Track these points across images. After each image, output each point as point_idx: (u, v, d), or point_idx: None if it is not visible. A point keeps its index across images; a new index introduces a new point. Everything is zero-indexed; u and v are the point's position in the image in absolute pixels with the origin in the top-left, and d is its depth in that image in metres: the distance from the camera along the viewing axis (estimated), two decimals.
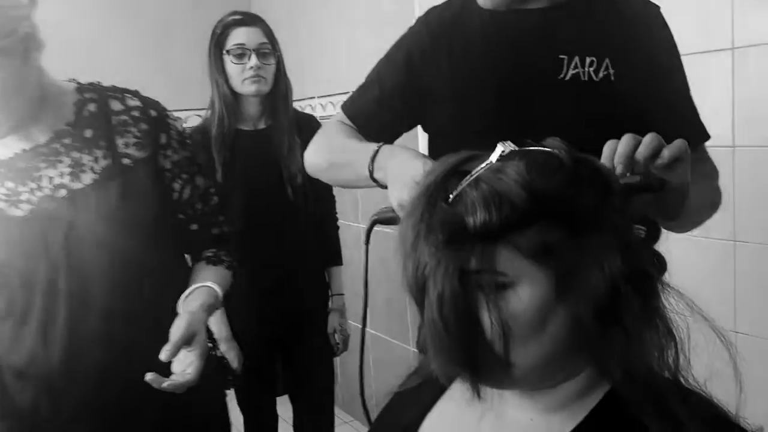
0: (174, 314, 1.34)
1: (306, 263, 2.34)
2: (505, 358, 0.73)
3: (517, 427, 0.82)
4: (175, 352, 1.24)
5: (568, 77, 1.25)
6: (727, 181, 1.78)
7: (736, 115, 1.77)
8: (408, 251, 0.76)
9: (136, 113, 1.40)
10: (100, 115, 1.37)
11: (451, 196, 0.74)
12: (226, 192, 2.16)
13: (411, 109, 1.36)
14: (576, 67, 1.25)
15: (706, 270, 1.89)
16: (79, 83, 1.41)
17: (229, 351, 2.20)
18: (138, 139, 1.38)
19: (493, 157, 0.76)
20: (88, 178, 1.33)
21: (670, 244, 1.93)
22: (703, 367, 0.82)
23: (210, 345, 1.58)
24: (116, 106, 1.39)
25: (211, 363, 1.57)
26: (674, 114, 1.31)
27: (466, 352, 0.74)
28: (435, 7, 1.38)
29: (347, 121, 1.41)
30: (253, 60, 2.18)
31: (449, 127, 1.32)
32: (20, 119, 1.27)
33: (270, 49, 2.21)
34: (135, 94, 1.43)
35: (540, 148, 0.79)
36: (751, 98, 1.74)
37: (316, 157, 1.40)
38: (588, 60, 1.25)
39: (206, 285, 1.40)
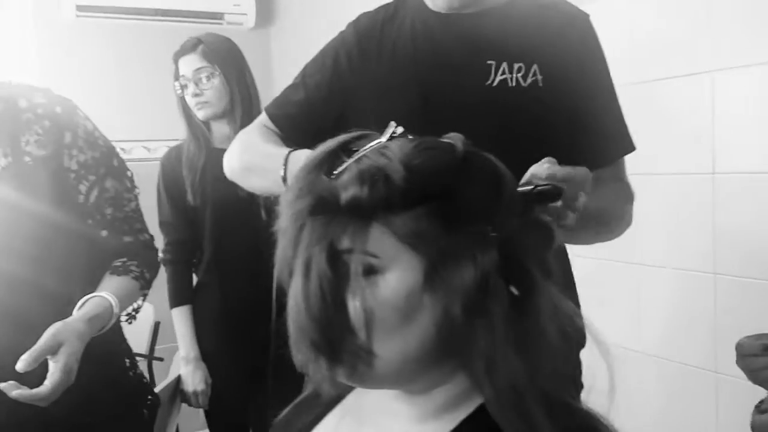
0: None
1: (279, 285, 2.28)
2: (368, 348, 0.68)
3: None
4: (32, 362, 1.17)
5: (495, 83, 1.23)
6: (706, 210, 1.70)
7: (717, 141, 1.68)
8: (282, 228, 0.72)
9: (40, 110, 1.35)
10: (5, 114, 1.33)
11: (335, 171, 0.71)
12: (199, 212, 2.16)
13: (334, 112, 1.31)
14: (504, 72, 1.23)
15: (684, 305, 1.78)
16: None
17: (195, 372, 2.16)
18: (39, 136, 1.33)
19: (384, 136, 0.74)
20: None
21: (643, 274, 1.86)
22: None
23: (128, 364, 1.54)
24: (23, 103, 1.35)
25: (130, 382, 1.53)
26: (600, 123, 1.29)
27: (326, 336, 0.69)
28: (366, 12, 1.36)
29: (269, 124, 1.37)
30: (191, 88, 2.19)
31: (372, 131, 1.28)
32: None
33: (210, 71, 2.20)
34: (45, 92, 1.39)
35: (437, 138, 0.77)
36: (733, 123, 1.65)
37: (231, 160, 1.36)
38: (516, 66, 1.23)
39: (99, 295, 1.33)
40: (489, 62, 1.23)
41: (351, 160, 0.71)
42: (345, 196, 0.68)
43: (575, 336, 0.76)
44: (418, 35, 1.28)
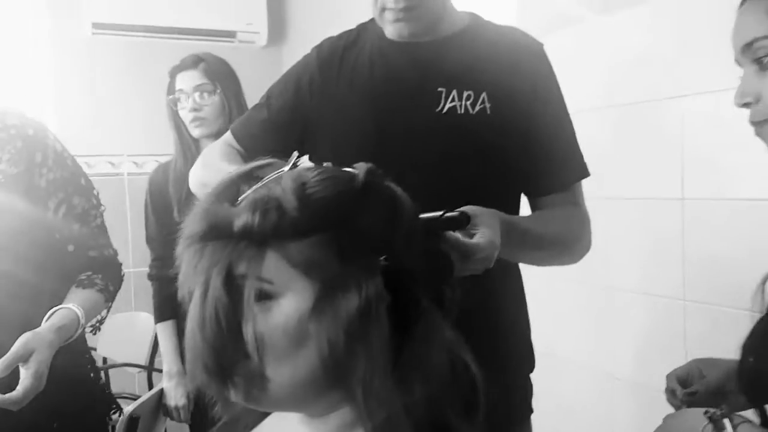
0: None
1: None
2: (261, 372, 0.70)
3: None
4: (4, 369, 1.24)
5: (445, 110, 1.26)
6: (675, 236, 1.68)
7: (686, 166, 1.66)
8: (178, 252, 0.75)
9: (13, 131, 1.44)
10: None
11: (239, 198, 0.74)
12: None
13: (295, 135, 1.34)
14: (453, 100, 1.26)
15: (655, 331, 1.76)
16: None
17: (177, 387, 2.19)
18: (12, 155, 1.42)
19: (287, 166, 0.77)
20: None
21: (615, 298, 1.84)
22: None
23: (92, 375, 1.59)
24: (12, 120, 1.44)
25: (93, 391, 1.58)
26: (551, 149, 1.31)
27: (219, 360, 0.71)
28: (330, 37, 1.39)
29: (233, 142, 1.40)
30: (189, 103, 2.20)
31: (328, 155, 1.29)
32: None
33: (211, 88, 2.22)
34: (18, 115, 1.47)
35: (343, 168, 0.79)
36: (702, 149, 1.64)
37: (193, 175, 1.40)
38: (465, 94, 1.26)
39: (66, 307, 1.39)
40: (440, 89, 1.26)
41: (250, 190, 0.74)
42: (237, 223, 0.70)
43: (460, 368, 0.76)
44: (375, 62, 1.31)
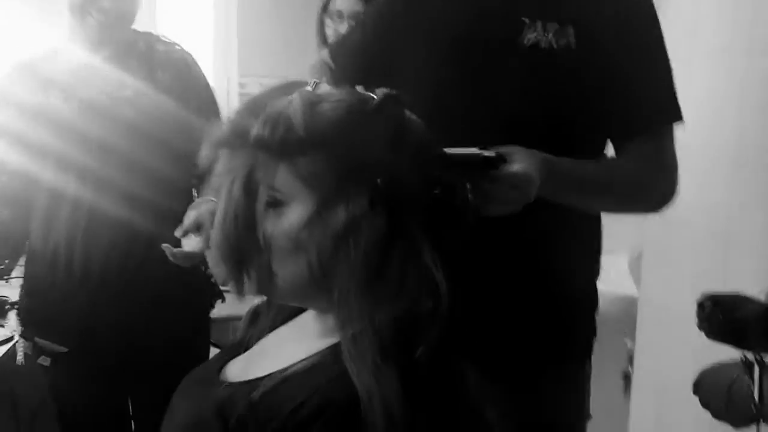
0: None
1: None
2: (268, 266, 0.81)
3: (294, 344, 0.87)
4: (183, 234, 1.46)
5: (527, 42, 1.22)
6: None
7: None
8: (204, 155, 0.86)
9: (176, 55, 1.74)
10: (147, 52, 1.71)
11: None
12: None
13: (383, 57, 1.34)
14: (537, 32, 1.22)
15: None
16: (133, 29, 1.74)
17: None
18: (173, 75, 1.70)
19: (309, 86, 0.84)
20: (128, 92, 1.64)
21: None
22: None
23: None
24: (161, 47, 1.72)
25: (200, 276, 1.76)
26: (634, 87, 1.24)
27: (234, 252, 0.82)
28: None
29: (327, 58, 1.43)
30: (344, 27, 2.26)
31: (409, 79, 1.24)
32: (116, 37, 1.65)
33: None
34: (179, 44, 1.78)
35: (366, 92, 0.84)
36: None
37: None
38: (551, 26, 1.22)
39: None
40: (524, 19, 1.22)
41: (272, 107, 0.80)
42: (252, 133, 0.79)
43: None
44: None
